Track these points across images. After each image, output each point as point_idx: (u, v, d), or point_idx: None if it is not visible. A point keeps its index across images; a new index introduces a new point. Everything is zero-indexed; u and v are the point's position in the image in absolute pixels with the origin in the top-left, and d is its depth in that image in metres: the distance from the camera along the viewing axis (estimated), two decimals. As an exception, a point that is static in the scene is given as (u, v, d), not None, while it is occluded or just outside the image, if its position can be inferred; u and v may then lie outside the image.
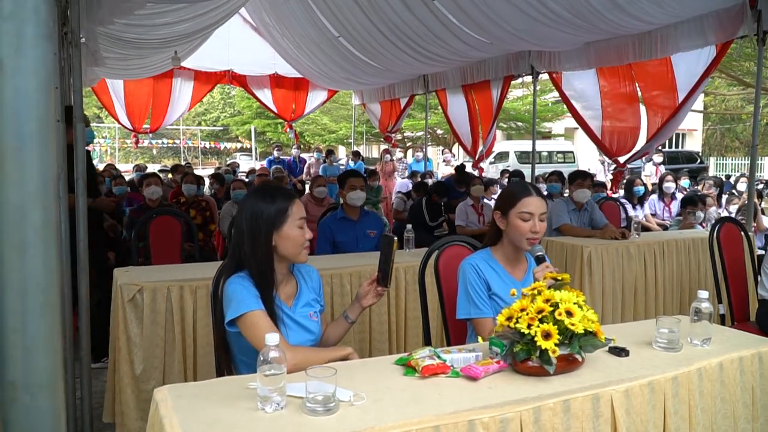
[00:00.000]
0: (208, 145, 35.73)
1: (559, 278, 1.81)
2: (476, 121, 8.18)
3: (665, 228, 6.30)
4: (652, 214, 6.84)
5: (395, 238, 1.96)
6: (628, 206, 6.39)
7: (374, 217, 4.38)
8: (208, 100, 35.49)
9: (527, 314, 1.65)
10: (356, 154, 13.31)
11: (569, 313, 1.64)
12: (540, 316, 1.64)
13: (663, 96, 5.59)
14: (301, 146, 13.39)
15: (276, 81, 11.13)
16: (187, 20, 6.87)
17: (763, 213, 6.32)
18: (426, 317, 2.61)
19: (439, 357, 1.72)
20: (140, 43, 7.09)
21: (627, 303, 4.31)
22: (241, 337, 1.80)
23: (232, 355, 1.93)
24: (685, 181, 8.24)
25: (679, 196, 7.49)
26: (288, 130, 11.93)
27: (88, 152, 4.62)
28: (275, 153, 11.62)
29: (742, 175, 13.63)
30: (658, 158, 11.33)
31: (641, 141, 6.25)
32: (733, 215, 5.32)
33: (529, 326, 1.63)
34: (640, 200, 6.60)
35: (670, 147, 26.40)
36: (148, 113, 10.54)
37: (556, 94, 7.26)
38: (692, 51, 5.19)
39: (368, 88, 10.92)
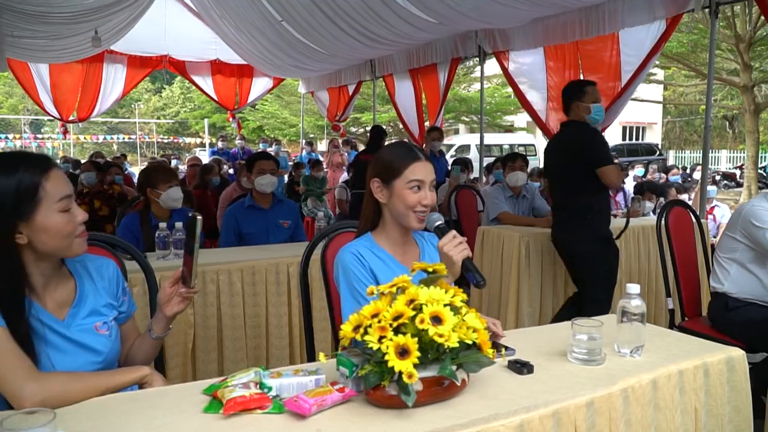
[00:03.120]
0: (166, 140, 34.60)
1: (431, 269, 1.31)
2: (422, 107, 7.73)
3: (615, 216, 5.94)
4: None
5: (199, 218, 1.43)
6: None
7: (288, 205, 3.83)
8: (167, 94, 34.47)
9: (379, 321, 1.17)
10: (310, 144, 12.81)
11: (437, 320, 1.16)
12: (396, 323, 1.16)
13: (606, 79, 5.21)
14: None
15: (217, 67, 10.50)
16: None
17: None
18: (309, 324, 2.13)
19: (262, 384, 1.23)
20: (49, 17, 6.40)
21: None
22: None
23: None
24: (639, 170, 8.00)
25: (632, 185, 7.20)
26: (231, 119, 11.27)
27: None
28: (219, 144, 10.98)
29: (697, 165, 13.71)
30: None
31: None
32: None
33: (380, 339, 1.14)
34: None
35: (630, 140, 26.55)
36: (77, 101, 9.78)
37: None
38: (640, 27, 4.82)
39: (315, 74, 10.37)
